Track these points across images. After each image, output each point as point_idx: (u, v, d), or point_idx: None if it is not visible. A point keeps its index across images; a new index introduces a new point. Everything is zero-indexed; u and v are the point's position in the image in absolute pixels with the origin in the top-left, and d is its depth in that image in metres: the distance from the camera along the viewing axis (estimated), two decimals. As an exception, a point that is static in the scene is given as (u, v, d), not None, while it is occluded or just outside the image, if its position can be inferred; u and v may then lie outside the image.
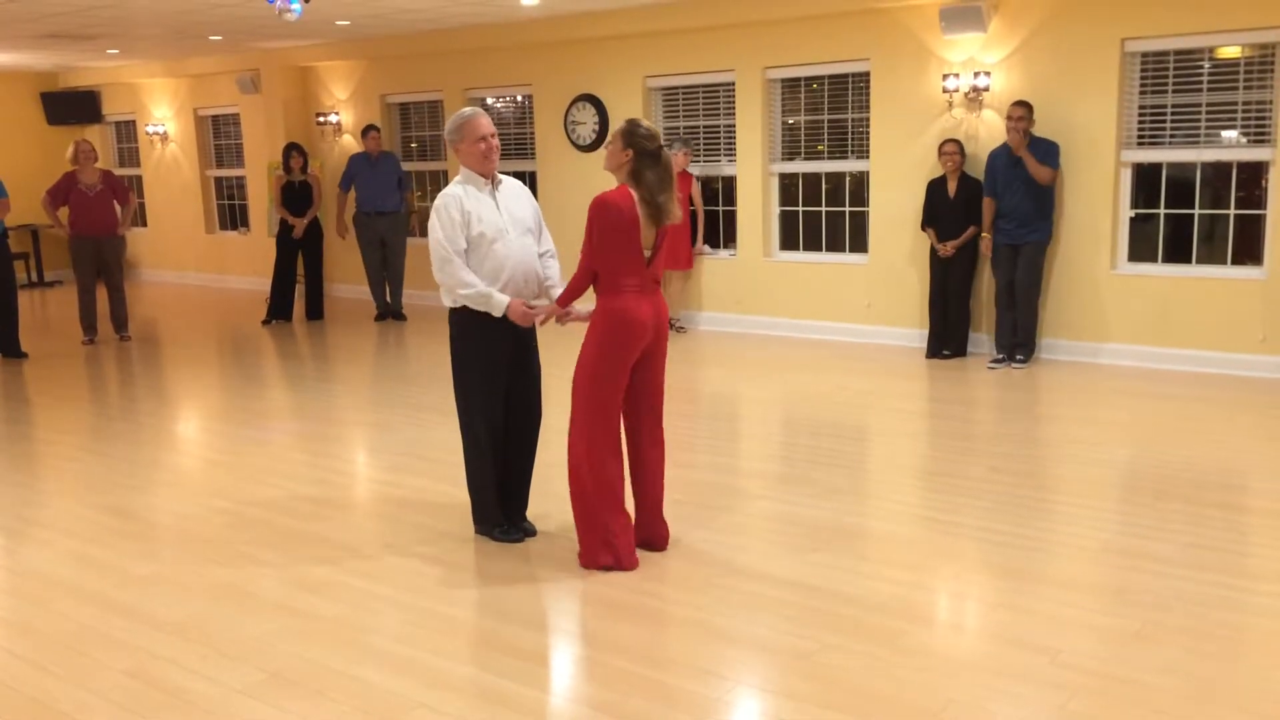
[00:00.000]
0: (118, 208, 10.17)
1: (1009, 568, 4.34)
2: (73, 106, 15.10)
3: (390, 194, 11.16)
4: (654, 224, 4.27)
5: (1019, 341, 8.14)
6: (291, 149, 11.25)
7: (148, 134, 14.63)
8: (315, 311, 11.46)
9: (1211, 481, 5.39)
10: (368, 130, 11.19)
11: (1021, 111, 7.90)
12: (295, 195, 11.19)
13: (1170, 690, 3.32)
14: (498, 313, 4.46)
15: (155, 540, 4.93)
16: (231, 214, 14.41)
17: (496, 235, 4.49)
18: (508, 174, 4.78)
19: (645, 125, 4.28)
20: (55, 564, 4.66)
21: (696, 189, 9.77)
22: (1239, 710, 3.21)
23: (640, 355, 4.36)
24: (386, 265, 11.27)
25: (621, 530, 4.38)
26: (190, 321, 11.62)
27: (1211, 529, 4.68)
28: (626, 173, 4.28)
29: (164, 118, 14.46)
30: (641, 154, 4.23)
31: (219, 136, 14.24)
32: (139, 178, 15.08)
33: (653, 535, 4.58)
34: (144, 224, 15.14)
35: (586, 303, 4.38)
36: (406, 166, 12.00)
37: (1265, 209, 7.61)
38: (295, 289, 11.42)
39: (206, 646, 3.80)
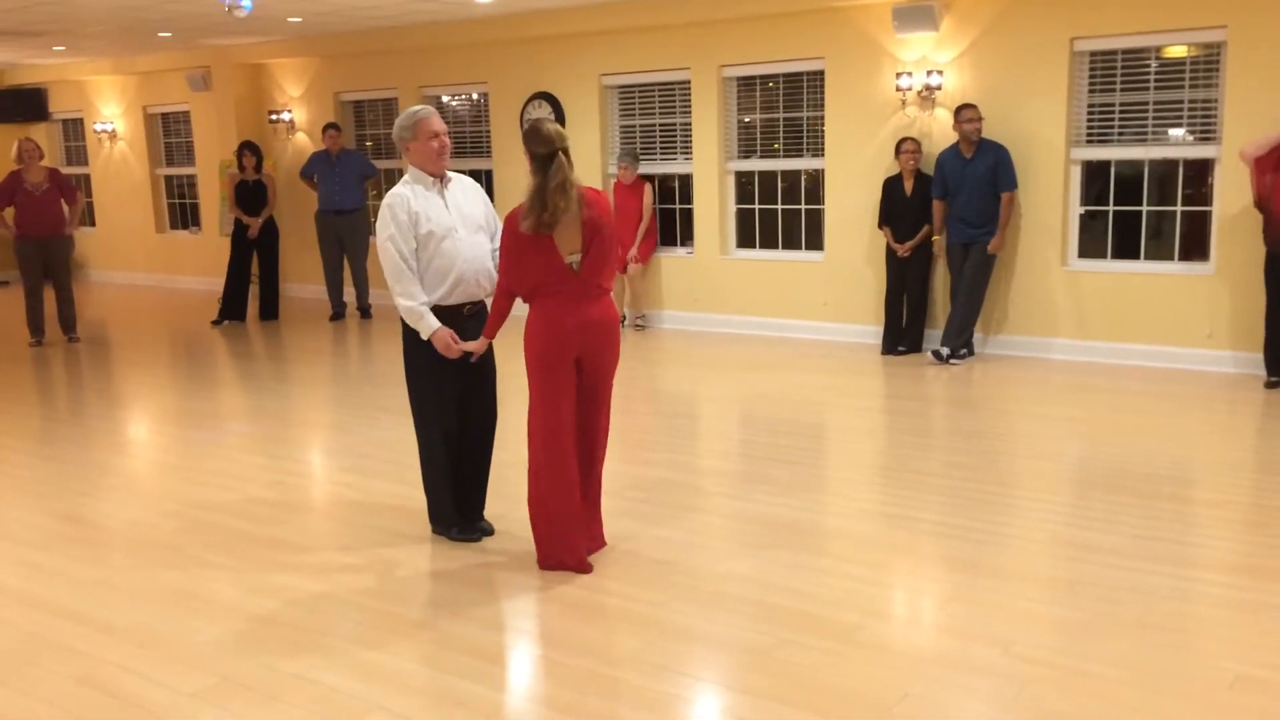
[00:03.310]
0: (65, 207, 10.01)
1: (963, 562, 4.39)
2: (18, 104, 14.82)
3: (350, 193, 11.03)
4: (548, 229, 4.13)
5: (960, 339, 8.19)
6: (245, 148, 11.11)
7: (96, 132, 14.39)
8: (270, 312, 11.33)
9: (1160, 474, 5.48)
10: (327, 128, 11.07)
11: (972, 113, 8.01)
12: (249, 194, 11.06)
13: (1121, 680, 3.37)
14: (425, 336, 4.44)
15: (106, 546, 4.86)
16: (182, 213, 14.22)
17: (445, 233, 4.46)
18: (464, 172, 4.75)
19: (546, 128, 4.15)
20: (3, 571, 4.58)
21: (648, 199, 9.72)
22: (1188, 698, 3.26)
23: (580, 364, 4.29)
24: (350, 264, 11.17)
25: (578, 532, 4.36)
26: (140, 323, 11.46)
27: (1161, 521, 4.76)
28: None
29: (112, 115, 14.24)
30: (532, 157, 4.18)
31: (169, 134, 14.04)
32: (87, 176, 14.84)
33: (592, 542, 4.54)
34: (92, 224, 14.91)
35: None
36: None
37: (1212, 206, 7.76)
38: (250, 289, 11.29)
39: (159, 652, 3.75)
